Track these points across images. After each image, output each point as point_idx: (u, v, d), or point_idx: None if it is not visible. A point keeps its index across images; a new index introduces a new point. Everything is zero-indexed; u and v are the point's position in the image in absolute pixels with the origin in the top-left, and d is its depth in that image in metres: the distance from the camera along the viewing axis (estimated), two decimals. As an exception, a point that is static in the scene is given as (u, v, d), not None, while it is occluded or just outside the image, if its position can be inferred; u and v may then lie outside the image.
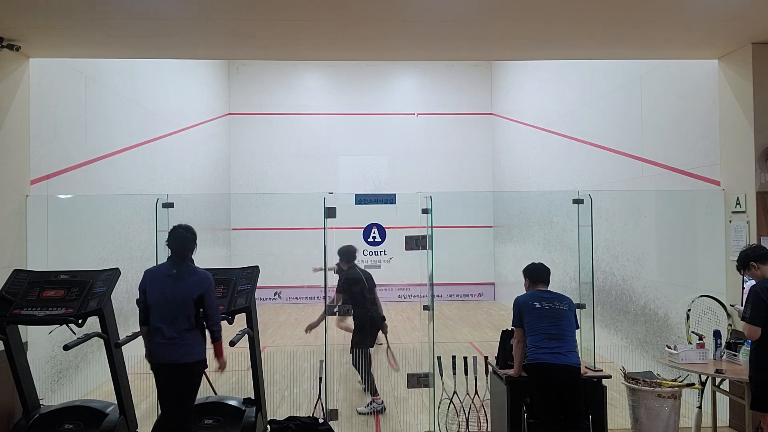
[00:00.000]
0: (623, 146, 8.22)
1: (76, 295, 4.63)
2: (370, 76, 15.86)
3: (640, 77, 7.72)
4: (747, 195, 5.59)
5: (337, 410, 5.81)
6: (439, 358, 5.65)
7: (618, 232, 8.15)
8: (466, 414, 5.49)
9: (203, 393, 4.76)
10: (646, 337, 7.36)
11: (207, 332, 4.32)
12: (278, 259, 14.42)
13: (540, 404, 4.50)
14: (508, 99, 14.47)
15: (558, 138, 10.85)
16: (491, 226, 15.51)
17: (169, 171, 10.42)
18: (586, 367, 4.93)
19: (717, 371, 4.84)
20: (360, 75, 15.83)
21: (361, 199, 5.84)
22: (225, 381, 7.27)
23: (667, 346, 5.26)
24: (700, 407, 5.16)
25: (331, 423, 5.39)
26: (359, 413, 6.24)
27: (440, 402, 5.60)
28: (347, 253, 6.58)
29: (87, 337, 4.55)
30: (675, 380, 5.13)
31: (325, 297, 6.08)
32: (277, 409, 6.22)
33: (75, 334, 4.53)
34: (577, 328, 4.74)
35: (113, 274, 4.83)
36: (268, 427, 5.23)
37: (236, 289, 4.97)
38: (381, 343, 7.00)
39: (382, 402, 6.32)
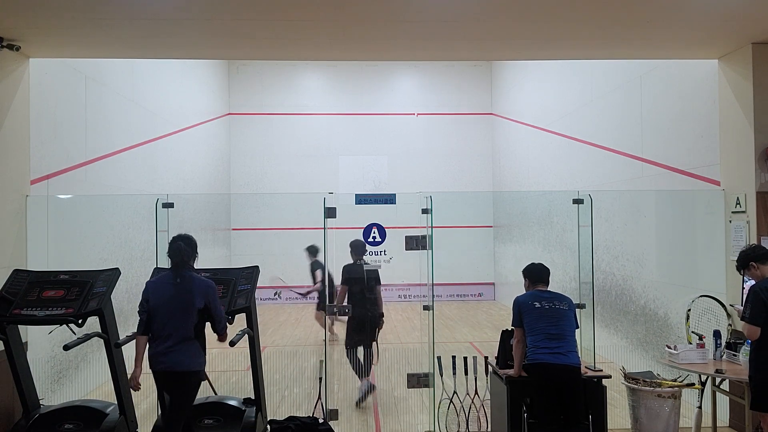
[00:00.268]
0: (623, 146, 8.22)
1: (76, 295, 4.63)
2: (370, 76, 15.85)
3: (640, 77, 7.72)
4: (747, 195, 5.59)
5: (337, 410, 5.81)
6: (439, 358, 5.66)
7: (618, 232, 8.15)
8: (466, 414, 5.49)
9: (203, 393, 4.77)
10: (646, 337, 7.36)
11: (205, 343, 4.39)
12: (278, 259, 14.41)
13: (540, 404, 4.50)
14: (508, 99, 14.47)
15: (558, 138, 10.84)
16: (491, 226, 15.51)
17: (169, 171, 10.42)
18: (586, 367, 4.93)
19: (717, 371, 4.85)
20: (360, 75, 15.82)
21: (361, 199, 5.84)
22: (225, 381, 7.28)
23: (667, 346, 5.26)
24: (700, 407, 5.16)
25: (331, 423, 5.39)
26: (357, 405, 6.33)
27: (440, 402, 5.60)
28: (356, 247, 6.69)
29: (87, 337, 4.55)
30: (675, 380, 5.13)
31: (325, 297, 6.08)
32: (277, 409, 6.22)
33: (75, 334, 4.53)
34: (577, 327, 4.74)
35: (113, 274, 4.83)
36: (268, 427, 5.23)
37: (236, 289, 4.96)
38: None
39: (369, 383, 6.39)
